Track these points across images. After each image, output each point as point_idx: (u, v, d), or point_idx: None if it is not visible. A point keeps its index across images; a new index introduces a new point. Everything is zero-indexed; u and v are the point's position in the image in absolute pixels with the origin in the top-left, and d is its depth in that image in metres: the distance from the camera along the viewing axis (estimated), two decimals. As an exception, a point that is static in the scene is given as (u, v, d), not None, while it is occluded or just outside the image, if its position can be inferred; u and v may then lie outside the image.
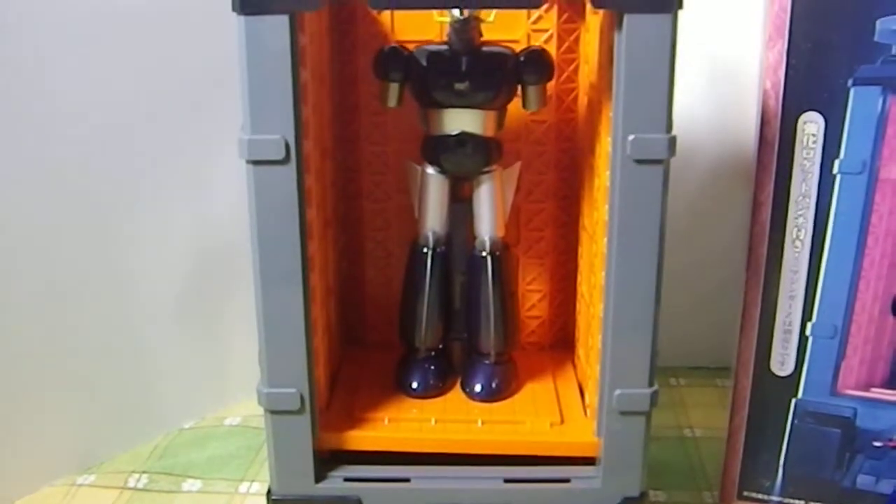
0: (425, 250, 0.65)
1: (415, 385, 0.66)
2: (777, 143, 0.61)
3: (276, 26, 0.51)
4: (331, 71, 0.67)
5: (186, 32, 0.74)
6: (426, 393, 0.66)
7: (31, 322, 0.70)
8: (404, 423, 0.63)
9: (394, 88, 0.63)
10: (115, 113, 0.72)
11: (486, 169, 0.64)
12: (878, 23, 0.57)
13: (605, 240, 0.56)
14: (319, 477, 0.60)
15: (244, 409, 0.84)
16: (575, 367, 0.71)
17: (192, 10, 0.73)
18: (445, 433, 0.62)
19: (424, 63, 0.61)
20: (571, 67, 0.69)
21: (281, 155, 0.53)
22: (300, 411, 0.58)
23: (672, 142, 0.53)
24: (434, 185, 0.64)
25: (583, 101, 0.69)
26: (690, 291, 0.86)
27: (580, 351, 0.69)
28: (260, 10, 0.51)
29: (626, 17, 0.51)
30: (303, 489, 0.60)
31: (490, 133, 0.63)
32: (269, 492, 0.61)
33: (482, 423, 0.63)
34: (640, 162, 0.53)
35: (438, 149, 0.63)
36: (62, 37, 0.68)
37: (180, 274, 0.80)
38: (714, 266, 0.84)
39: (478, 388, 0.66)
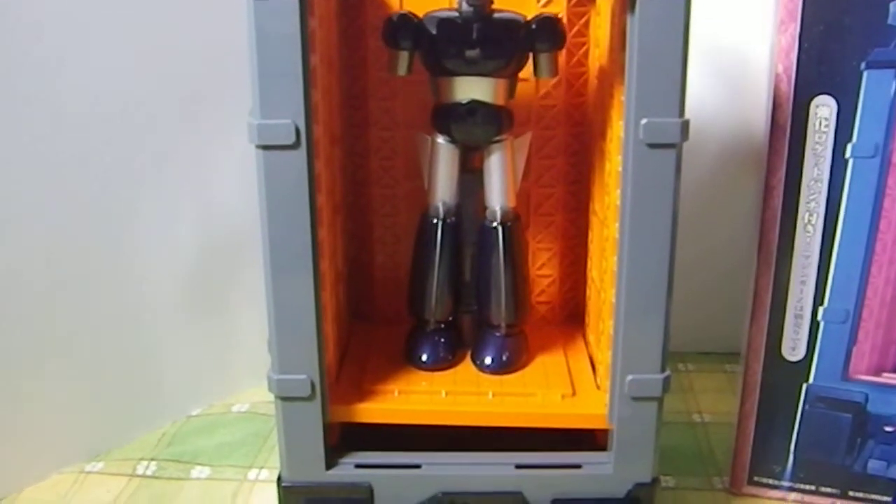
0: (435, 221, 0.64)
1: (425, 357, 0.66)
2: (789, 127, 0.60)
3: (286, 9, 0.51)
4: (339, 56, 0.66)
5: (191, 19, 0.73)
6: (436, 365, 0.66)
7: (37, 311, 0.70)
8: (414, 396, 0.63)
9: (403, 57, 0.61)
10: (121, 102, 0.72)
11: (497, 138, 0.63)
12: (891, 5, 0.57)
13: (617, 225, 0.56)
14: (330, 464, 0.60)
15: (252, 396, 0.84)
16: (586, 341, 0.71)
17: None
18: (456, 405, 0.62)
19: (434, 30, 0.60)
20: (582, 51, 0.68)
21: (291, 140, 0.53)
22: (311, 398, 0.58)
23: (685, 126, 0.53)
24: (444, 155, 0.64)
25: (593, 84, 0.68)
26: (700, 276, 0.85)
27: (590, 337, 0.69)
28: (269, -7, 0.51)
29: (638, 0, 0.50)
30: (313, 476, 0.60)
31: (501, 101, 0.62)
32: (279, 479, 0.61)
33: (493, 395, 0.63)
34: (652, 146, 0.53)
35: (449, 117, 0.62)
36: (62, 26, 0.68)
37: (187, 262, 0.79)
38: (724, 250, 0.84)
39: (488, 360, 0.66)
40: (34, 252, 0.69)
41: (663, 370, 0.57)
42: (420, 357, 0.66)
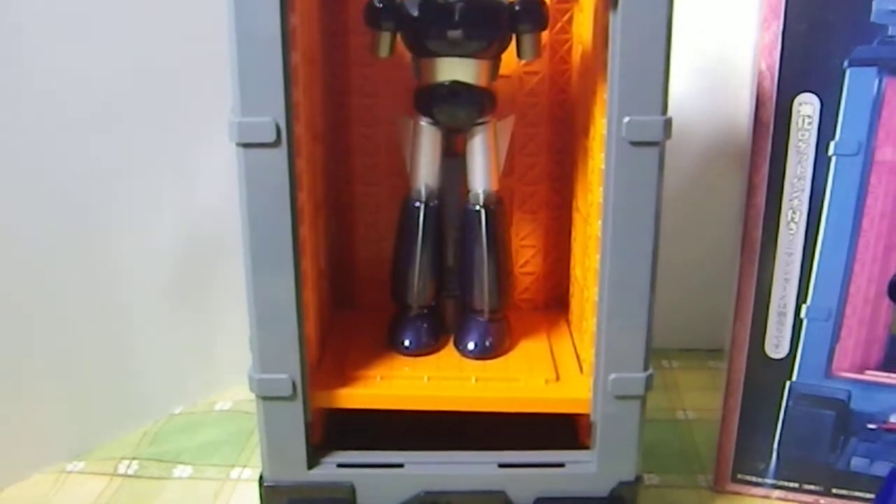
0: (417, 205, 0.64)
1: (407, 343, 0.65)
2: (772, 124, 0.60)
3: (267, 6, 0.50)
4: (321, 53, 0.66)
5: (172, 17, 0.73)
6: (419, 350, 0.65)
7: (18, 309, 0.70)
8: (397, 381, 0.62)
9: (385, 38, 0.61)
10: (104, 100, 0.71)
11: (480, 120, 0.62)
12: (874, 3, 0.57)
13: (600, 222, 0.55)
14: (312, 463, 0.60)
15: (235, 395, 0.83)
16: (569, 327, 0.71)
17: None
18: (439, 390, 0.61)
19: (416, 11, 0.60)
20: (565, 48, 0.68)
21: (272, 138, 0.52)
22: (292, 397, 0.57)
23: (668, 124, 0.52)
24: (427, 138, 0.63)
25: (576, 82, 0.68)
26: (684, 274, 0.85)
27: (575, 334, 0.69)
28: (250, -11, 0.50)
29: (621, -3, 0.50)
30: (295, 475, 0.59)
31: (483, 83, 0.61)
32: (261, 478, 0.60)
33: (476, 380, 0.62)
34: (635, 144, 0.53)
35: (431, 99, 0.61)
36: (42, 26, 0.67)
37: (169, 259, 0.79)
38: (708, 248, 0.84)
39: (471, 345, 0.65)
40: (14, 250, 0.68)
41: (646, 368, 0.57)
42: (402, 342, 0.66)
